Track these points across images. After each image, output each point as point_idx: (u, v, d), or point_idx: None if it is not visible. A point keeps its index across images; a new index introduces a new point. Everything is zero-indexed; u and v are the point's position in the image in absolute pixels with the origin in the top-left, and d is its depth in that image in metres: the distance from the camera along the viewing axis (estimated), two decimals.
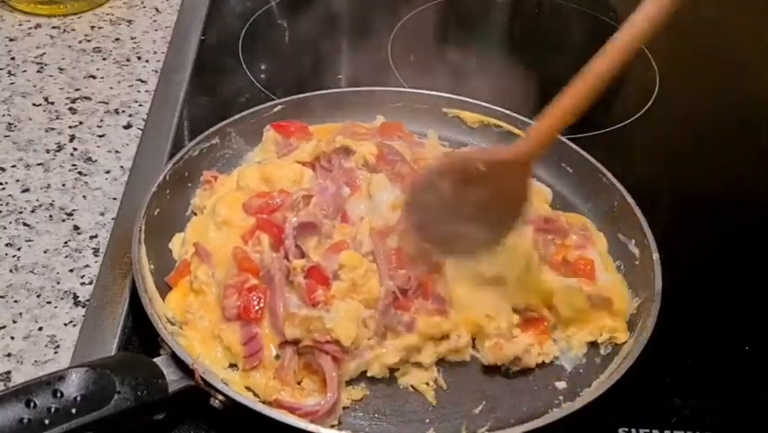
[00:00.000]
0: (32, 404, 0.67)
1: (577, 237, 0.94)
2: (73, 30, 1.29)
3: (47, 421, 0.67)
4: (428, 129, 1.09)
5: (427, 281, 0.86)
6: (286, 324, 0.81)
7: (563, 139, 1.05)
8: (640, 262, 0.93)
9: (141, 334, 0.85)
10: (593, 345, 0.88)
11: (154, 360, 0.76)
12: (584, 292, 0.88)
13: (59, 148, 1.07)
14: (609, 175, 1.01)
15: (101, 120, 1.12)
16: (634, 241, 0.95)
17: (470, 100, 1.11)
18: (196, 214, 0.97)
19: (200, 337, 0.83)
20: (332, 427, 0.78)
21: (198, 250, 0.88)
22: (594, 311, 0.88)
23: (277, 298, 0.83)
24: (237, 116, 1.03)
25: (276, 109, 1.05)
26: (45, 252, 0.93)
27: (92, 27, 1.30)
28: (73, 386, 0.69)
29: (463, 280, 0.86)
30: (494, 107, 1.10)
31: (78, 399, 0.69)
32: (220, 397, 0.76)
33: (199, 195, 0.98)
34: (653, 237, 0.92)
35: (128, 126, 1.12)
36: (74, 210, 0.99)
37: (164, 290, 0.87)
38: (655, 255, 0.91)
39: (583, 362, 0.87)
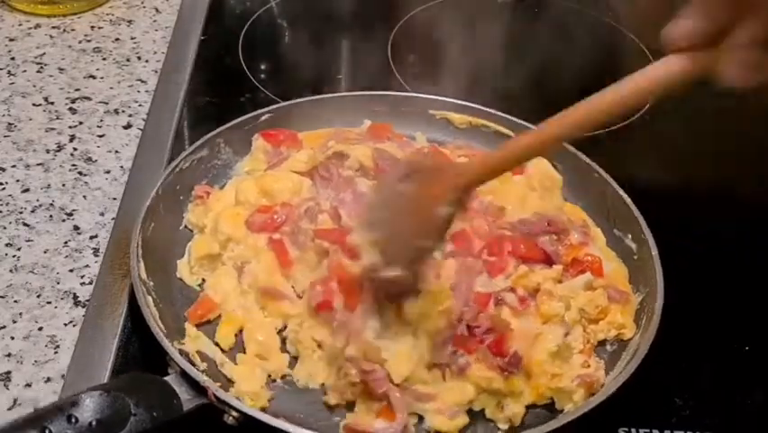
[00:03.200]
0: (47, 432, 0.66)
1: (577, 235, 0.95)
2: (73, 30, 1.29)
3: None
4: (416, 131, 1.08)
5: (505, 335, 0.82)
6: (350, 344, 0.80)
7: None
8: (638, 257, 0.93)
9: (141, 334, 0.85)
10: (600, 342, 0.88)
11: (165, 379, 0.76)
12: (604, 290, 0.88)
13: (59, 148, 1.07)
14: (601, 171, 1.01)
15: (101, 120, 1.12)
16: (630, 236, 0.95)
17: (456, 101, 1.10)
18: (191, 230, 0.96)
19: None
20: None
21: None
22: (611, 306, 0.88)
23: (358, 313, 0.81)
24: (225, 126, 1.02)
25: (263, 118, 1.04)
26: (45, 252, 0.93)
27: (92, 27, 1.30)
28: (88, 411, 0.68)
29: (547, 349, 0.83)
30: (481, 108, 1.09)
31: (94, 424, 0.68)
32: (234, 414, 0.75)
33: (192, 210, 0.96)
34: (650, 231, 0.93)
35: (128, 126, 1.12)
36: (74, 210, 0.99)
37: (166, 305, 0.86)
38: (654, 251, 0.91)
39: None
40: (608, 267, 0.93)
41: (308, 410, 0.81)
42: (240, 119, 1.03)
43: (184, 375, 0.76)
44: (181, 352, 0.79)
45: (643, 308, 0.88)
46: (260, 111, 1.05)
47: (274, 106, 1.07)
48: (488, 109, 1.09)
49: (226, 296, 0.88)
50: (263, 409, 0.79)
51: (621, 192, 0.98)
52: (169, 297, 0.88)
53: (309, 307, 0.85)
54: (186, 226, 0.96)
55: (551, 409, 0.82)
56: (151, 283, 0.86)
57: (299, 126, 1.06)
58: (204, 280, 0.91)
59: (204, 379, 0.75)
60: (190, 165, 0.98)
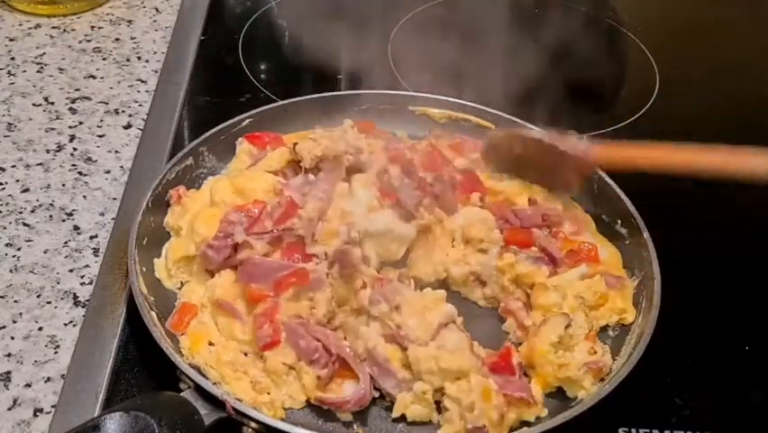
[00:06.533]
0: None
1: (570, 223, 0.96)
2: (73, 30, 1.29)
3: None
4: (396, 129, 1.08)
5: (509, 349, 0.83)
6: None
7: (529, 125, 1.06)
8: (630, 242, 0.95)
9: (140, 334, 0.85)
10: (602, 328, 0.89)
11: (182, 395, 0.75)
12: (600, 276, 0.89)
13: (59, 148, 1.07)
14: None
15: (101, 120, 1.12)
16: (620, 222, 0.96)
17: (434, 96, 1.11)
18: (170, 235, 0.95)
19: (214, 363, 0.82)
20: None
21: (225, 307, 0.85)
22: (610, 292, 0.89)
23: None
24: (207, 134, 1.01)
25: (245, 123, 1.04)
26: (45, 252, 0.93)
27: (92, 27, 1.30)
28: None
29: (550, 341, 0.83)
30: (459, 101, 1.10)
31: None
32: (253, 425, 0.74)
33: (170, 213, 0.95)
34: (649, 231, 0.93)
35: (128, 126, 1.12)
36: (74, 210, 0.99)
37: (167, 318, 0.86)
38: (646, 234, 0.92)
39: None
40: (603, 253, 0.94)
41: (324, 417, 0.80)
42: (221, 126, 1.03)
43: (198, 389, 0.75)
44: (191, 365, 0.78)
45: (640, 292, 0.90)
46: (240, 116, 1.04)
47: (254, 111, 1.06)
48: (466, 102, 1.10)
49: (198, 304, 0.86)
50: (282, 419, 0.78)
51: (608, 179, 0.99)
52: (169, 310, 0.87)
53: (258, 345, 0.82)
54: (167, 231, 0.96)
55: (561, 397, 0.82)
56: (152, 298, 0.86)
57: (280, 129, 1.05)
58: (182, 283, 0.90)
59: (221, 392, 0.75)
60: (176, 175, 0.97)
